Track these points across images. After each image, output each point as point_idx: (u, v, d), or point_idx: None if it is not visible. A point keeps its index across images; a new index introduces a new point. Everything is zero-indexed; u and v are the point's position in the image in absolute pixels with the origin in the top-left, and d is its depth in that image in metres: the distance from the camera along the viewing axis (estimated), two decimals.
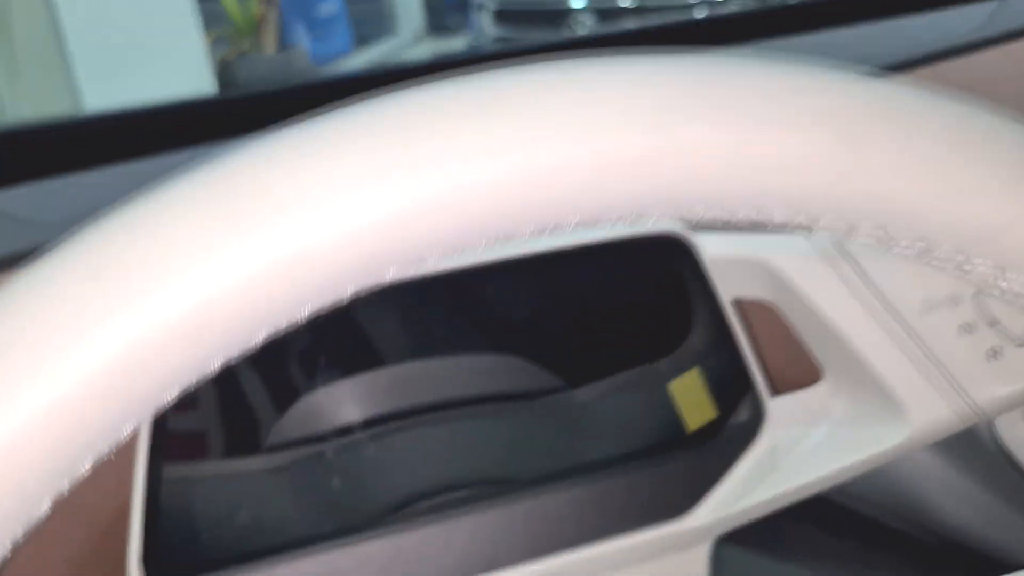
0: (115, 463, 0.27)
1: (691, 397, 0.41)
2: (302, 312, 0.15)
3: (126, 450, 0.36)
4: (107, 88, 2.61)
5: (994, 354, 0.39)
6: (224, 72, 3.72)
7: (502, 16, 3.77)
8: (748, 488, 0.40)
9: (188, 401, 0.37)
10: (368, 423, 0.38)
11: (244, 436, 0.37)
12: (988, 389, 0.40)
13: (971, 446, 0.50)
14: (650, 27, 0.80)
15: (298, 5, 4.44)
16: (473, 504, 0.38)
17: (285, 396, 0.38)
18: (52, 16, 2.62)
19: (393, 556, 0.36)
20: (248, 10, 3.93)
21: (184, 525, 0.36)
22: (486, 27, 3.89)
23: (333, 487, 0.37)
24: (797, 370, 0.44)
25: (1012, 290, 0.18)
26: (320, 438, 0.38)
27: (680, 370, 0.41)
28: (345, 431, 0.38)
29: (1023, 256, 0.17)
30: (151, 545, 0.35)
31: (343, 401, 0.38)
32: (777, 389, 0.43)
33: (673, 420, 0.41)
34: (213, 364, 0.15)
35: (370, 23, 5.08)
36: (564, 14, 3.48)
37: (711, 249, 0.42)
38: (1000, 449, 0.48)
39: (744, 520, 0.41)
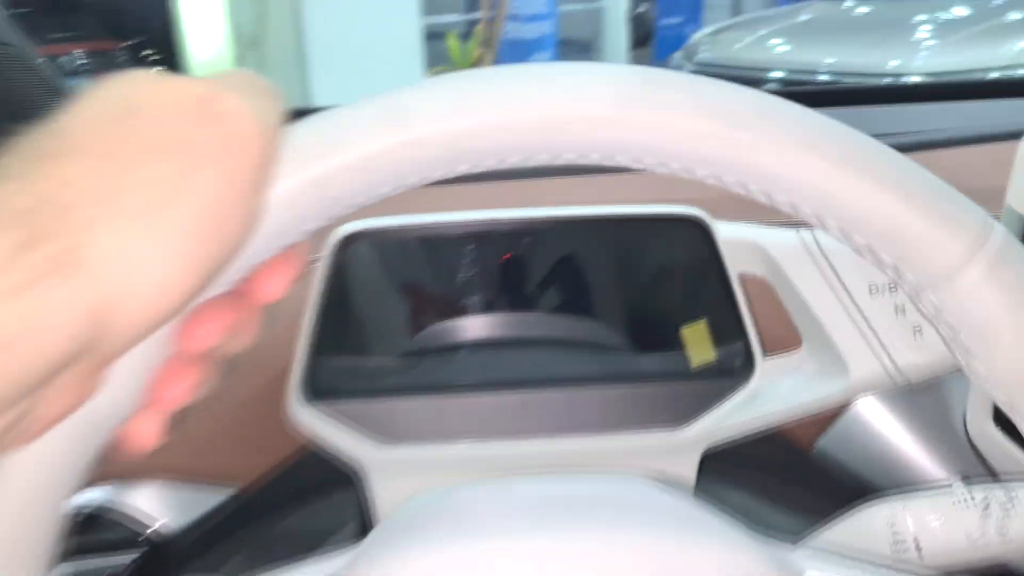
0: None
1: (697, 341, 0.54)
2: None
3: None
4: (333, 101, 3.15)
5: (917, 331, 0.50)
6: None
7: None
8: (731, 416, 0.52)
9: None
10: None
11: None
12: (910, 358, 0.51)
13: (947, 439, 0.58)
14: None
15: (515, 51, 4.81)
16: (525, 390, 0.53)
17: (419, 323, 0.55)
18: (300, 42, 3.33)
19: (460, 410, 0.53)
20: (468, 52, 4.41)
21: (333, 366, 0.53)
22: None
23: (439, 372, 0.54)
24: (783, 333, 0.55)
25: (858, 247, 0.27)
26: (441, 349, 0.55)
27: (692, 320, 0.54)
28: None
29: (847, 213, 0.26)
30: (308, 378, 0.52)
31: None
32: (768, 345, 0.54)
33: (682, 357, 0.54)
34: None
35: None
36: (760, 82, 3.37)
37: (723, 232, 0.53)
38: (970, 443, 0.54)
39: (724, 439, 0.53)
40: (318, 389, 0.52)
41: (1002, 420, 0.54)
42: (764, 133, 0.25)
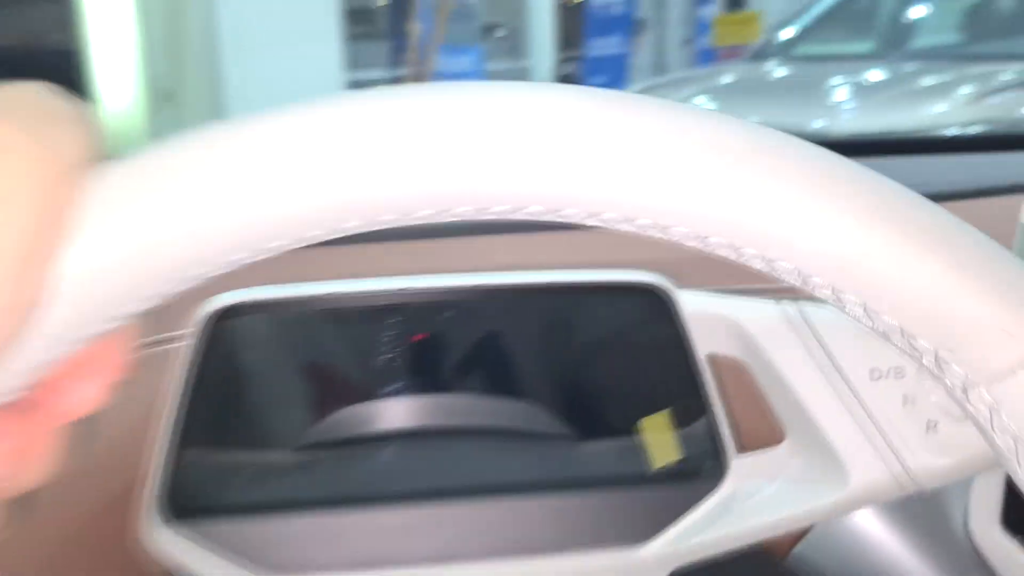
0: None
1: (659, 436, 0.44)
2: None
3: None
4: None
5: (932, 427, 0.41)
6: None
7: None
8: (701, 529, 0.43)
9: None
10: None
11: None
12: (923, 460, 0.42)
13: (945, 544, 0.50)
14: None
15: None
16: (449, 501, 0.43)
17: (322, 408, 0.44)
18: (218, 95, 3.25)
19: (367, 529, 0.42)
20: None
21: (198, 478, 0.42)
22: None
23: (339, 479, 0.43)
24: (762, 425, 0.46)
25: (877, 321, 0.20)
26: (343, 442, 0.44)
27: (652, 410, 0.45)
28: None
29: (872, 283, 0.19)
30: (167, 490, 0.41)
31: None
32: (744, 440, 0.45)
33: (640, 455, 0.44)
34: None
35: None
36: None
37: (688, 303, 0.45)
38: (973, 548, 0.48)
39: (694, 557, 0.44)
40: (181, 505, 0.41)
41: (1012, 523, 0.46)
42: (768, 176, 0.18)
